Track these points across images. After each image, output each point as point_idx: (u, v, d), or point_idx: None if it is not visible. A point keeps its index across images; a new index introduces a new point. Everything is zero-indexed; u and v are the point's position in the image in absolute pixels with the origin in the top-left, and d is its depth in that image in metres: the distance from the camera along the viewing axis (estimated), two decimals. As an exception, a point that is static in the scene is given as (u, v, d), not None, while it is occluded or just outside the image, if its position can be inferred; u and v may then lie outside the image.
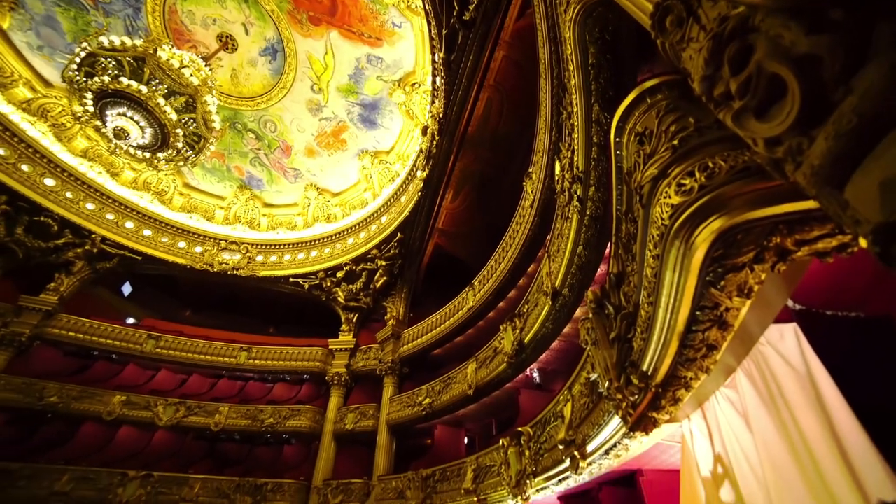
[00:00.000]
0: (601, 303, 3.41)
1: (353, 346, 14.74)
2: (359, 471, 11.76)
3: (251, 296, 17.72)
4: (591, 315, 3.75)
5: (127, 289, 18.03)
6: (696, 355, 2.58)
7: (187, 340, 15.19)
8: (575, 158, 5.42)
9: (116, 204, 15.36)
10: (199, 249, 16.13)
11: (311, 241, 16.14)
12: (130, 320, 17.08)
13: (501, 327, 8.62)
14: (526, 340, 7.72)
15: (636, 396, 3.10)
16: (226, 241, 16.33)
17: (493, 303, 10.50)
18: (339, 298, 15.35)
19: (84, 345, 14.44)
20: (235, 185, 16.74)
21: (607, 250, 5.57)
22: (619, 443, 4.35)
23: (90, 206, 14.90)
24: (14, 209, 13.82)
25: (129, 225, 15.55)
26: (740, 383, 3.10)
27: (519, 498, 6.73)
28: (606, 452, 4.71)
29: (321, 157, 15.34)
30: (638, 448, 4.57)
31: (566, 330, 7.27)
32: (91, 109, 11.63)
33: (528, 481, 6.43)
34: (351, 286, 15.10)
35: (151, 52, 10.21)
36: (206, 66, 11.38)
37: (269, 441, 14.07)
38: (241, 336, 16.33)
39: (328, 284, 15.41)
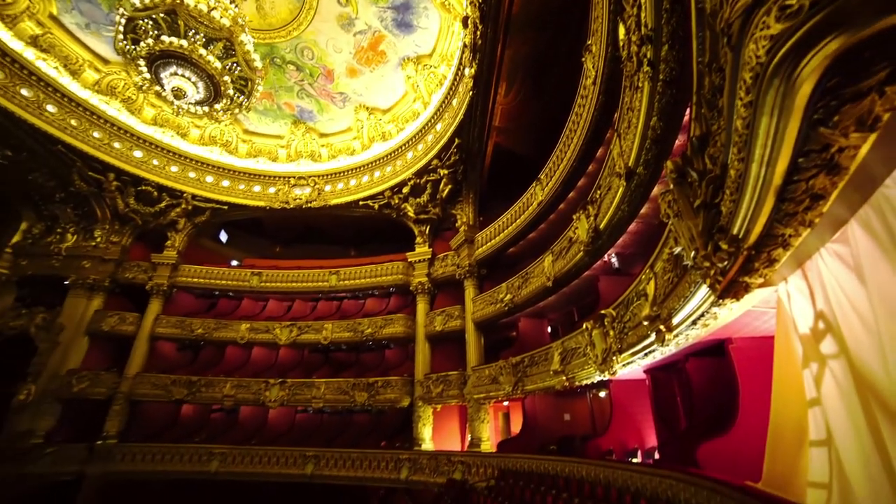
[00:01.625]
0: (683, 171, 3.16)
1: (429, 257, 15.55)
2: (453, 364, 13.15)
3: (328, 224, 19.03)
4: (671, 187, 3.52)
5: (223, 236, 20.23)
6: (796, 209, 2.36)
7: (283, 272, 17.14)
8: (642, 15, 4.69)
9: (194, 162, 16.65)
10: (272, 190, 17.29)
11: (371, 163, 16.45)
12: (234, 262, 19.47)
13: (574, 217, 8.45)
14: (601, 226, 7.55)
15: (725, 262, 2.99)
16: (294, 177, 17.22)
17: (562, 194, 10.20)
18: (409, 213, 15.89)
19: (206, 287, 17.03)
20: (289, 122, 17.08)
21: (685, 116, 5.01)
22: (707, 312, 4.32)
23: (174, 168, 16.34)
24: (122, 184, 15.68)
25: (210, 179, 16.94)
26: (853, 235, 2.83)
27: (606, 373, 7.17)
28: (693, 323, 4.74)
29: (364, 75, 14.85)
30: (727, 316, 4.52)
31: (643, 210, 6.95)
32: (147, 76, 12.19)
33: (613, 358, 6.77)
34: (418, 199, 15.47)
35: (178, 1, 10.10)
36: (231, 3, 11.09)
37: (371, 347, 16.09)
38: (328, 262, 17.97)
39: (396, 201, 15.92)
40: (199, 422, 15.50)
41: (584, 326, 7.65)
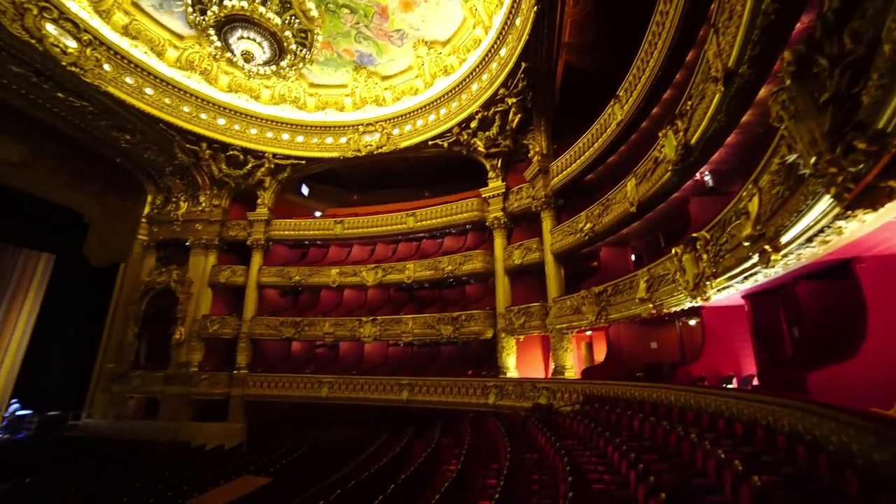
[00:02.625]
0: (806, 61, 2.63)
1: (503, 191, 15.31)
2: (534, 297, 13.29)
3: (400, 168, 19.38)
4: (787, 83, 2.98)
5: (305, 190, 21.61)
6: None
7: (362, 219, 18.10)
8: None
9: (269, 122, 17.55)
10: (343, 140, 17.82)
11: (436, 101, 16.06)
12: (317, 213, 20.89)
13: (660, 134, 7.63)
14: (692, 142, 6.74)
15: (861, 166, 2.52)
16: (362, 124, 17.49)
17: (644, 110, 9.20)
18: (479, 148, 15.53)
19: (296, 238, 18.69)
20: (350, 69, 17.03)
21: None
22: (829, 227, 3.78)
23: (253, 130, 17.43)
24: (213, 151, 17.20)
25: (285, 136, 17.88)
26: None
27: (698, 299, 6.77)
28: (808, 241, 4.20)
29: (418, 7, 14.07)
30: (857, 231, 3.93)
31: (744, 118, 6.05)
32: (218, 44, 12.83)
33: (707, 283, 6.32)
34: (487, 133, 14.99)
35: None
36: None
37: (451, 284, 16.78)
38: (404, 205, 18.56)
39: (465, 137, 15.60)
40: (307, 356, 17.81)
41: (673, 252, 7.17)
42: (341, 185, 21.70)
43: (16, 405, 15.38)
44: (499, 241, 15.03)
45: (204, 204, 18.55)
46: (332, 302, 17.99)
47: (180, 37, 15.34)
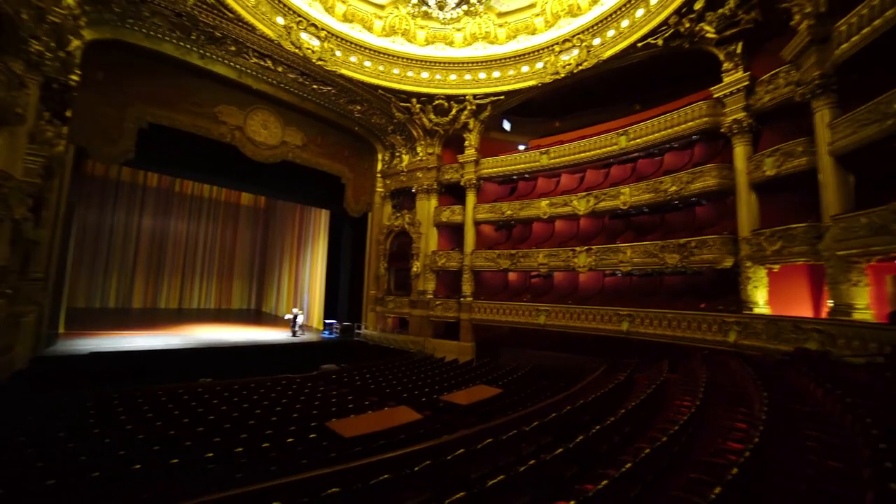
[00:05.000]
0: None
1: (746, 83, 11.89)
2: (791, 217, 10.32)
3: (599, 86, 17.26)
4: None
5: (507, 125, 21.79)
6: None
7: (568, 146, 17.19)
8: None
9: (465, 65, 18.00)
10: (540, 65, 16.84)
11: (644, -10, 13.25)
12: (521, 147, 20.92)
13: None
14: None
15: None
16: (557, 43, 16.06)
17: None
18: (709, 34, 12.28)
19: (504, 174, 19.33)
20: (540, -19, 15.56)
21: None
22: None
23: (453, 76, 18.28)
24: (422, 104, 19.03)
25: (482, 76, 18.11)
26: None
27: None
28: None
29: None
30: None
31: None
32: (414, 0, 13.63)
33: None
34: (720, 10, 11.63)
35: None
36: None
37: (677, 206, 14.52)
38: (612, 124, 16.74)
39: (687, 25, 12.53)
40: (523, 285, 18.94)
41: None
42: (541, 114, 20.96)
43: (300, 315, 21.48)
44: (739, 150, 12.01)
45: (421, 154, 21.04)
46: (544, 233, 18.31)
47: (381, 6, 16.97)
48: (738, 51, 12.09)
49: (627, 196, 14.81)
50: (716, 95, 12.64)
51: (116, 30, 13.27)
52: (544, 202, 17.24)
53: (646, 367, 11.82)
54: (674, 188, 13.40)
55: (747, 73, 11.95)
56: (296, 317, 20.46)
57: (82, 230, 23.07)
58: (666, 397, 8.49)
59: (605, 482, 3.46)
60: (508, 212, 18.36)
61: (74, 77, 11.73)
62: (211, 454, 5.61)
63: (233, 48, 15.27)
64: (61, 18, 10.08)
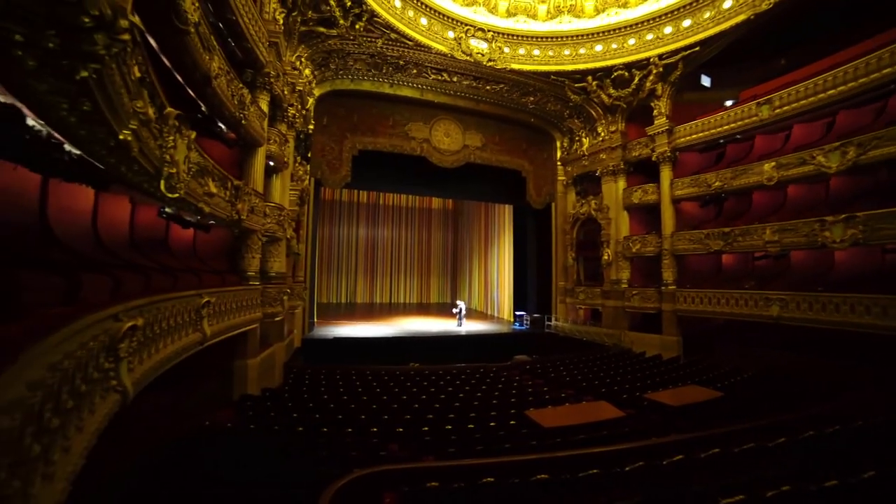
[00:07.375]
0: None
1: None
2: None
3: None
4: None
5: (706, 80, 18.25)
6: None
7: (801, 86, 13.17)
8: None
9: (646, 23, 16.01)
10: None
11: None
12: (728, 103, 17.21)
13: None
14: None
15: None
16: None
17: None
18: None
19: (707, 140, 16.22)
20: None
21: None
22: None
23: (632, 41, 16.66)
24: (599, 80, 17.70)
25: (668, 30, 15.88)
26: None
27: None
28: None
29: None
30: None
31: None
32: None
33: None
34: None
35: None
36: None
37: None
38: (868, 43, 12.08)
39: None
40: (743, 269, 15.55)
41: None
42: (753, 56, 16.77)
43: (462, 306, 22.23)
44: None
45: (602, 134, 19.56)
46: (771, 203, 14.62)
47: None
48: None
49: (909, 139, 10.39)
50: None
51: (332, 83, 17.01)
52: (768, 165, 13.61)
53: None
54: None
55: None
56: (461, 310, 22.06)
57: (320, 242, 29.98)
58: None
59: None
60: (717, 183, 15.27)
61: (311, 126, 15.59)
62: (426, 428, 6.50)
63: (414, 71, 17.35)
64: (303, 86, 13.49)
